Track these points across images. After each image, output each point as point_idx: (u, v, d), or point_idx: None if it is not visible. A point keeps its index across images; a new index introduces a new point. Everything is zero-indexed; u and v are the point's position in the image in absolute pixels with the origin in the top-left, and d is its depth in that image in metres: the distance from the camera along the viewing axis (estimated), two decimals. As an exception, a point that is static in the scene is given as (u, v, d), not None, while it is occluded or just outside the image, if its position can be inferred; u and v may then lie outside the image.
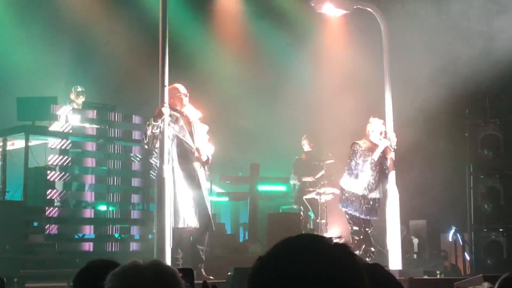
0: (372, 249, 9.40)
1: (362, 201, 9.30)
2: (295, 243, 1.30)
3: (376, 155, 9.24)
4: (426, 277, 9.59)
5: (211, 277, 7.55)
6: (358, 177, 9.30)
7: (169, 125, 7.61)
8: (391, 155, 9.36)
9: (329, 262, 1.25)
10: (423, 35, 12.70)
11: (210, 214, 8.15)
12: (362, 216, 9.31)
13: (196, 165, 7.99)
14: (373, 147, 9.30)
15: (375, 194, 9.33)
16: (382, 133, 9.29)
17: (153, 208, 8.00)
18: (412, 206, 11.18)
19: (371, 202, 9.32)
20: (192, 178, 7.90)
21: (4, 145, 9.82)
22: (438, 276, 11.13)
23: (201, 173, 8.06)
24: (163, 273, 1.79)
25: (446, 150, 12.79)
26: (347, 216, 9.49)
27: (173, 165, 7.74)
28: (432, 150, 12.91)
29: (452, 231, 12.18)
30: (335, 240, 1.31)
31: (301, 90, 13.63)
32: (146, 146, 7.92)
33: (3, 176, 9.69)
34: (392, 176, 9.36)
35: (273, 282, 1.24)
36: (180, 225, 7.69)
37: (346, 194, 9.39)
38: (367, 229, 9.40)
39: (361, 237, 9.33)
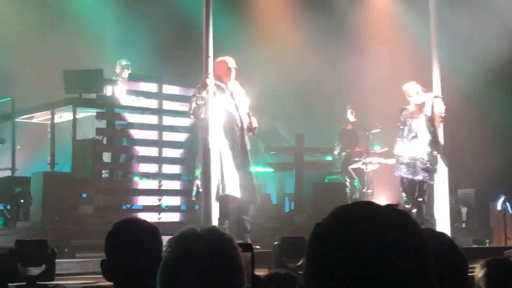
0: (420, 220, 9.28)
1: (414, 162, 9.15)
2: (356, 207, 1.28)
3: (427, 109, 9.13)
4: (475, 246, 9.49)
5: (257, 247, 7.54)
6: (409, 140, 9.19)
7: (214, 94, 7.58)
8: (438, 123, 9.21)
9: (393, 225, 1.23)
10: (472, 6, 12.42)
11: (255, 185, 8.13)
12: (414, 177, 9.13)
13: (241, 135, 7.97)
14: (420, 108, 9.20)
15: (427, 155, 9.16)
16: (419, 92, 9.18)
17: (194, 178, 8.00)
18: (460, 175, 11.03)
19: (423, 163, 9.15)
20: (236, 148, 7.87)
21: (52, 118, 9.96)
22: (487, 245, 11.00)
23: (246, 143, 8.04)
24: (221, 238, 1.83)
25: (496, 118, 12.57)
26: (401, 183, 9.33)
27: (218, 135, 7.73)
28: (481, 118, 12.69)
29: (501, 200, 11.99)
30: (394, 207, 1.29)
31: (346, 62, 13.49)
32: (191, 117, 7.92)
33: (52, 148, 9.85)
34: (441, 144, 9.22)
35: (335, 245, 1.22)
36: (224, 194, 7.69)
37: (400, 159, 9.27)
38: (419, 199, 9.22)
39: (412, 205, 9.18)
